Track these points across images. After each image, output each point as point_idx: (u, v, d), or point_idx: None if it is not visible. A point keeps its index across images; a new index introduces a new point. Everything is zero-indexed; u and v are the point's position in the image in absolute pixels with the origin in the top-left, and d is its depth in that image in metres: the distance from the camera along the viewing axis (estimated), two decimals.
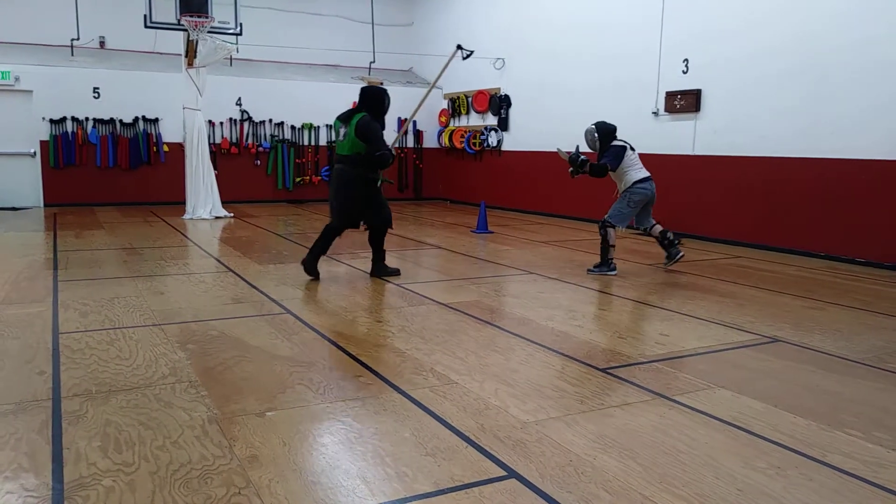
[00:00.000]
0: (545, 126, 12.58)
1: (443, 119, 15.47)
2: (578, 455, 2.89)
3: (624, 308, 5.60)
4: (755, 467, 2.80)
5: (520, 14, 13.20)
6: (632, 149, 7.15)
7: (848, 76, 7.95)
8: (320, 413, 3.32)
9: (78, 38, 13.08)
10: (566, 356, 4.28)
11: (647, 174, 7.13)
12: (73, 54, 13.10)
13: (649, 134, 10.53)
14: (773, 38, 8.70)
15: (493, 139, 13.93)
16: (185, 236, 9.50)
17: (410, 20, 16.36)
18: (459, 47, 7.78)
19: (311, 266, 6.56)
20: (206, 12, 10.96)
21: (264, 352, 4.28)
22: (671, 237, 7.19)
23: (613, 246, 7.03)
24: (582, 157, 7.25)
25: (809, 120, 8.37)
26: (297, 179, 14.63)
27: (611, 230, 6.99)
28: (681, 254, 7.17)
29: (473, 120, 14.66)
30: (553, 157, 12.31)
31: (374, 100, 6.36)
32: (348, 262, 7.59)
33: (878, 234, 7.76)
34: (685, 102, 9.85)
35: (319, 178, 14.79)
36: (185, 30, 11.00)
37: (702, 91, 9.69)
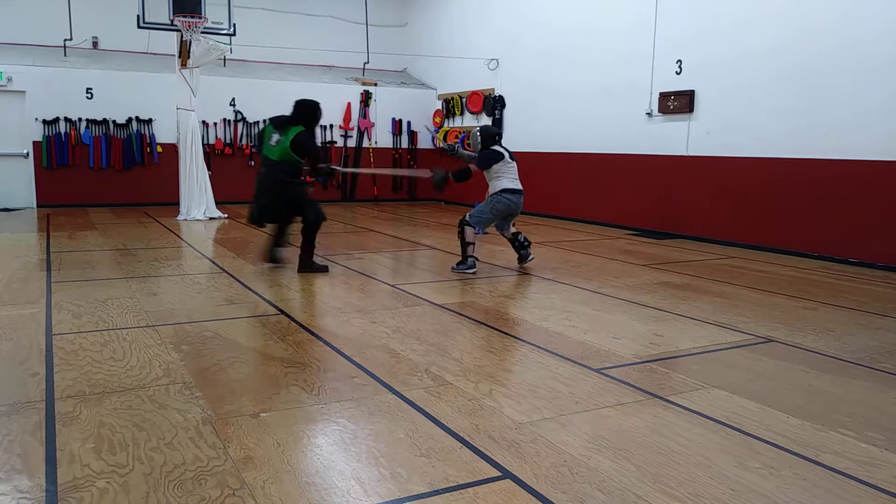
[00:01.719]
0: (540, 127, 12.60)
1: (437, 120, 15.48)
2: (573, 455, 2.89)
3: (618, 308, 5.61)
4: (749, 467, 2.81)
5: (514, 15, 13.21)
6: (512, 158, 7.18)
7: (841, 77, 7.98)
8: (315, 414, 3.32)
9: (71, 39, 13.03)
10: (560, 357, 4.29)
11: (519, 188, 7.14)
12: (66, 55, 13.05)
13: (643, 135, 10.57)
14: (767, 38, 8.74)
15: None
16: (179, 237, 9.47)
17: (404, 21, 16.36)
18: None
19: (308, 265, 6.92)
20: (200, 13, 10.94)
21: (258, 353, 4.27)
22: (522, 238, 7.33)
23: (472, 243, 7.10)
24: (457, 147, 7.62)
25: (803, 121, 8.41)
26: None
27: (468, 229, 7.06)
28: (531, 257, 7.36)
29: (468, 120, 14.67)
30: (551, 158, 12.41)
31: (308, 112, 6.87)
32: (343, 263, 7.59)
33: (873, 234, 7.79)
34: (679, 103, 9.88)
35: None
36: (179, 30, 10.98)
37: (695, 92, 9.72)
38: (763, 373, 4.06)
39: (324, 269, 7.01)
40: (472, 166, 7.23)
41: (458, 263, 7.16)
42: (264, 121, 14.43)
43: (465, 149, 7.50)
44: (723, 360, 4.29)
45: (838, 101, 8.02)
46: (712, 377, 3.94)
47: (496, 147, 7.20)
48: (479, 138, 7.29)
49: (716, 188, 9.51)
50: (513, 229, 7.35)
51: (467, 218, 7.08)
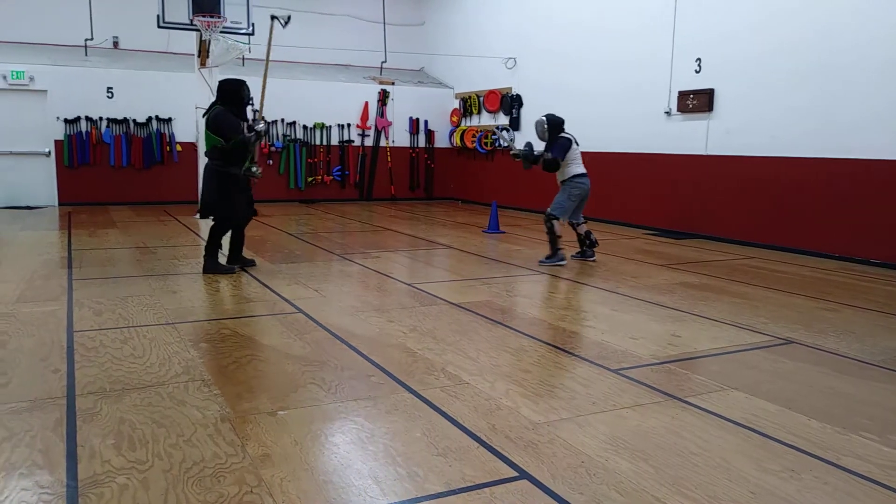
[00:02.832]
0: None
1: (454, 119, 15.47)
2: (590, 456, 2.88)
3: (636, 309, 5.58)
4: (769, 470, 2.79)
5: (531, 13, 13.18)
6: (576, 143, 7.54)
7: (861, 75, 7.89)
8: (332, 412, 3.33)
9: (92, 39, 13.17)
10: (578, 357, 4.27)
11: (585, 171, 7.55)
12: (86, 54, 13.19)
13: (661, 134, 10.50)
14: (787, 36, 8.65)
15: (503, 140, 13.89)
16: (198, 235, 9.54)
17: (422, 20, 16.37)
18: (273, 17, 7.75)
19: (211, 266, 6.62)
20: (219, 12, 11.01)
21: (276, 351, 4.30)
22: (594, 239, 7.73)
23: (560, 237, 7.46)
24: (536, 152, 7.70)
25: (823, 119, 8.31)
26: (309, 179, 14.67)
27: (555, 222, 7.39)
28: (593, 258, 7.75)
29: (485, 119, 14.65)
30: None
31: (228, 92, 6.52)
32: (360, 261, 7.61)
33: (894, 234, 7.68)
34: (698, 102, 9.80)
35: (331, 177, 14.83)
36: (198, 30, 11.05)
37: (715, 91, 9.64)
38: (783, 374, 4.03)
39: (230, 271, 6.67)
40: (548, 156, 7.48)
41: (548, 257, 7.48)
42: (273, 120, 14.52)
43: (524, 148, 7.69)
44: (742, 362, 4.26)
45: (858, 99, 7.92)
46: (731, 378, 3.90)
47: (564, 134, 7.50)
48: (545, 126, 7.54)
49: (735, 188, 9.42)
50: (585, 227, 7.69)
51: (551, 212, 7.40)
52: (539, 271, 7.19)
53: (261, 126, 6.62)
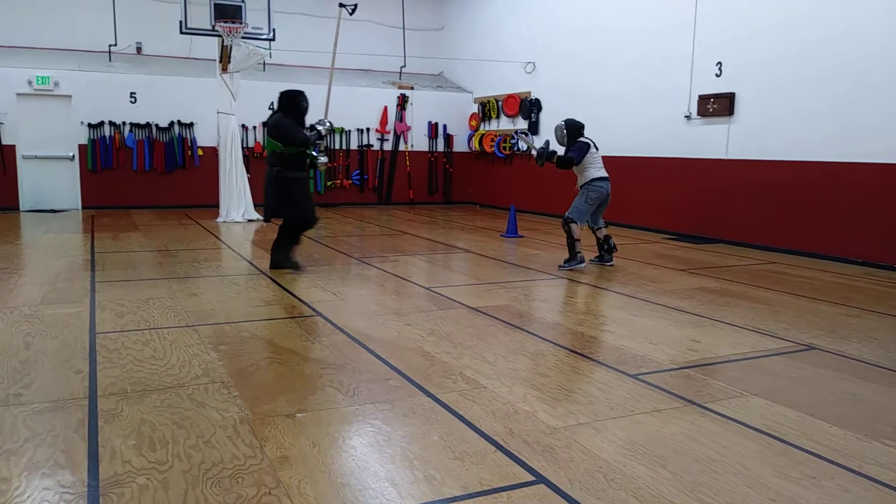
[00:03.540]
0: None
1: (473, 123, 15.48)
2: (608, 461, 2.86)
3: (655, 313, 5.54)
4: (789, 477, 2.76)
5: (550, 18, 13.16)
6: (596, 148, 7.56)
7: (883, 78, 7.79)
8: (350, 415, 3.34)
9: (115, 45, 13.36)
10: (596, 361, 4.26)
11: (606, 175, 7.55)
12: (110, 60, 13.36)
13: (681, 138, 10.44)
14: (808, 39, 8.56)
15: (523, 143, 13.89)
16: (219, 239, 9.62)
17: (441, 24, 16.41)
18: (342, 5, 7.98)
19: (279, 260, 7.04)
20: (241, 18, 11.13)
21: (295, 354, 4.32)
22: (612, 244, 7.70)
23: (578, 240, 7.45)
24: (551, 149, 7.74)
25: (844, 123, 8.22)
26: (329, 183, 14.74)
27: (573, 226, 7.40)
28: (611, 263, 7.73)
29: (504, 124, 14.65)
30: None
31: (287, 100, 6.86)
32: (379, 265, 7.63)
33: None
34: (718, 106, 9.73)
35: (350, 181, 14.89)
36: (220, 36, 11.17)
37: (735, 94, 9.57)
38: (804, 381, 3.98)
39: (296, 266, 7.04)
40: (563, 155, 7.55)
41: (567, 261, 7.50)
42: None
43: (542, 146, 7.78)
44: (762, 368, 4.21)
45: (880, 102, 7.82)
46: (751, 384, 3.87)
47: (583, 139, 7.54)
48: (564, 132, 7.62)
49: (756, 192, 9.34)
50: (605, 231, 7.69)
51: (569, 216, 7.43)
52: (558, 276, 7.17)
53: (325, 126, 7.05)
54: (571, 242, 7.42)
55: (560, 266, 7.49)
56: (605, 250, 7.72)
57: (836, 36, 8.27)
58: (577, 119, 7.75)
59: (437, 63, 16.38)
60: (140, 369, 3.94)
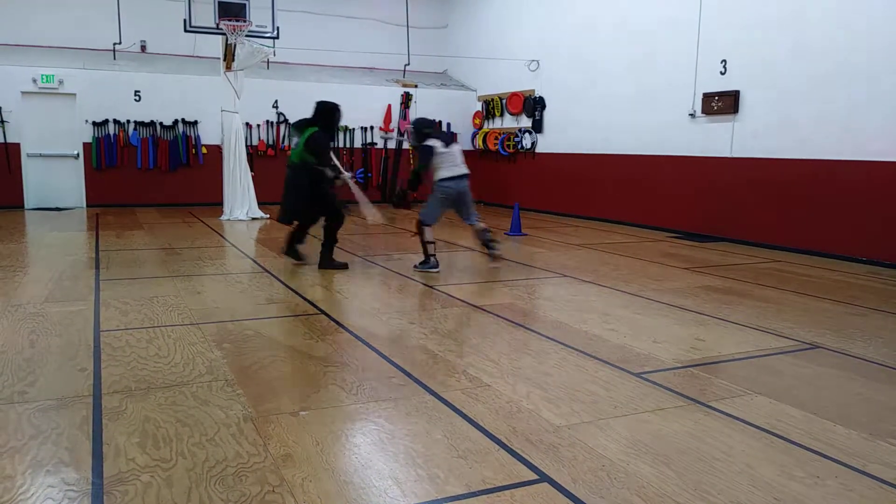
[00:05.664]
0: (580, 128, 12.51)
1: (477, 121, 15.47)
2: (611, 460, 2.86)
3: (659, 312, 5.54)
4: (793, 476, 2.75)
5: (554, 16, 13.14)
6: (447, 146, 7.09)
7: (889, 77, 7.75)
8: (353, 413, 3.34)
9: (120, 43, 13.38)
10: (600, 360, 4.25)
11: (458, 173, 7.11)
12: (115, 58, 13.38)
13: (685, 136, 10.41)
14: (814, 38, 8.53)
15: (527, 141, 13.88)
16: (223, 237, 9.64)
17: (445, 22, 16.39)
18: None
19: (325, 262, 7.12)
20: (244, 16, 11.12)
21: (298, 352, 4.32)
22: (488, 237, 7.43)
23: (432, 242, 7.16)
24: (399, 189, 7.63)
25: (849, 122, 8.19)
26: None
27: (426, 228, 7.10)
28: (496, 251, 7.46)
29: (507, 122, 14.64)
30: (592, 159, 12.32)
31: (326, 114, 6.90)
32: (383, 263, 7.63)
33: None
34: (723, 104, 9.71)
35: (354, 179, 14.87)
36: (224, 34, 11.17)
37: (740, 92, 9.54)
38: (809, 380, 3.97)
39: (343, 266, 7.14)
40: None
41: (421, 263, 7.23)
42: None
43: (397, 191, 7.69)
44: (767, 366, 4.20)
45: (885, 101, 7.79)
46: (756, 383, 3.86)
47: (427, 142, 7.09)
48: (413, 135, 7.31)
49: (760, 190, 9.32)
50: (481, 225, 7.41)
51: (419, 218, 7.17)
52: (561, 274, 7.16)
53: (343, 176, 7.10)
54: (423, 244, 7.12)
55: (415, 267, 7.24)
56: (486, 243, 7.43)
57: (842, 32, 8.23)
58: (427, 118, 7.47)
59: (441, 61, 16.36)
60: (144, 367, 3.95)
